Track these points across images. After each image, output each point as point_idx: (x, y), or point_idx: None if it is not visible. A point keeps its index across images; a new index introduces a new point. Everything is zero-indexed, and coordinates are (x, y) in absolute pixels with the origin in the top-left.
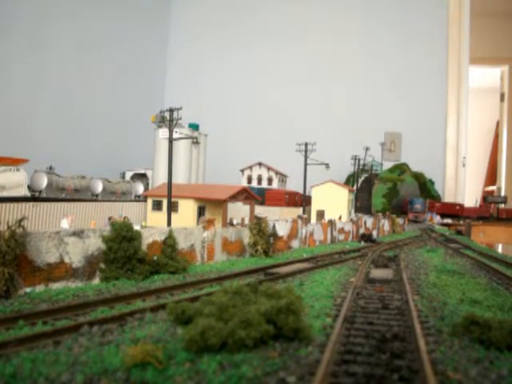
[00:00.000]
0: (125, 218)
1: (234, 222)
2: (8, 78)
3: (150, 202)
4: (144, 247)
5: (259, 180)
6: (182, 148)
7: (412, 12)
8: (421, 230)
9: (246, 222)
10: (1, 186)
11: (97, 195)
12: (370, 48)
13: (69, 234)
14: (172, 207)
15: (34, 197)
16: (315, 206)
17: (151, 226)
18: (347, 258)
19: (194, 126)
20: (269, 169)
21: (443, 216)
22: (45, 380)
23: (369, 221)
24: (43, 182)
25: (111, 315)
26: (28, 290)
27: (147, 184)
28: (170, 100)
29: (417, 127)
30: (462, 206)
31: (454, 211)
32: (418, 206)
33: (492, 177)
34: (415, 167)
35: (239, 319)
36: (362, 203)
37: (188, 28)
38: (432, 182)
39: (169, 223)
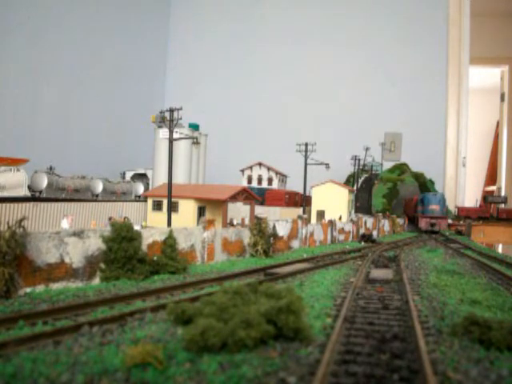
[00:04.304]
0: (125, 218)
1: (234, 222)
2: (7, 77)
3: (150, 202)
4: (144, 247)
5: (259, 180)
6: (182, 148)
7: (412, 12)
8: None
9: (246, 222)
10: (1, 186)
11: (97, 195)
12: (370, 48)
13: (69, 235)
14: (172, 207)
15: (34, 197)
16: (315, 206)
17: (151, 226)
18: (347, 258)
19: (194, 126)
20: (269, 169)
21: None
22: (45, 380)
23: (369, 221)
24: (43, 182)
25: (111, 315)
26: (28, 290)
27: (147, 184)
28: (170, 100)
29: (417, 127)
30: None
31: None
32: (434, 207)
33: (492, 177)
34: (415, 167)
35: (239, 319)
36: (362, 203)
37: (188, 28)
38: (432, 182)
39: (169, 223)
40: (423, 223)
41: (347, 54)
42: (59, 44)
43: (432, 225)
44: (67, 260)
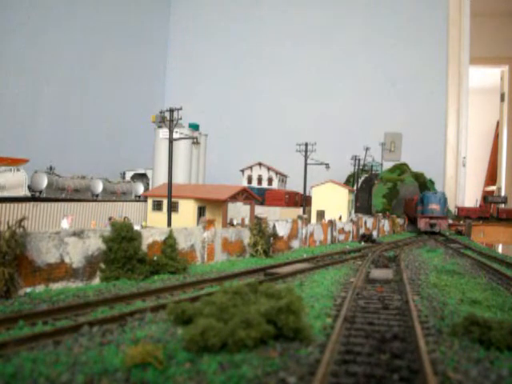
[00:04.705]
0: (125, 218)
1: (234, 222)
2: (7, 78)
3: (150, 202)
4: (144, 247)
5: (259, 180)
6: (182, 148)
7: (412, 12)
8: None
9: (246, 222)
10: (1, 186)
11: (97, 195)
12: (370, 48)
13: (69, 235)
14: (172, 207)
15: (34, 197)
16: (315, 206)
17: (151, 226)
18: (347, 258)
19: (194, 126)
20: (269, 169)
21: None
22: (45, 380)
23: (369, 221)
24: (43, 182)
25: (111, 315)
26: (28, 290)
27: (147, 184)
28: (170, 100)
29: (417, 127)
30: None
31: None
32: (434, 207)
33: (492, 177)
34: (415, 167)
35: (239, 319)
36: (362, 203)
37: (188, 28)
38: (432, 182)
39: (169, 223)
40: (422, 223)
41: (347, 54)
42: (59, 44)
43: (432, 225)
44: (67, 260)
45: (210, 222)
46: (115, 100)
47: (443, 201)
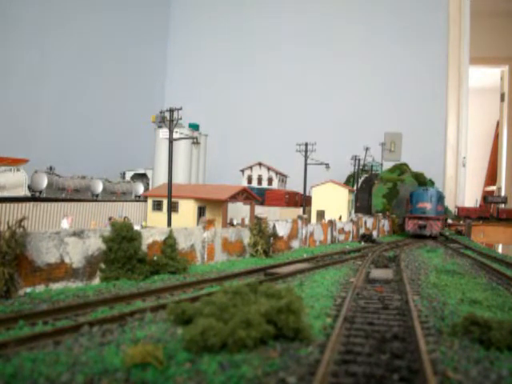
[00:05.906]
0: (125, 218)
1: (234, 222)
2: (8, 78)
3: (150, 202)
4: (144, 247)
5: (259, 180)
6: (182, 148)
7: (412, 12)
8: None
9: (246, 222)
10: (1, 186)
11: (97, 195)
12: (370, 48)
13: (69, 235)
14: (172, 207)
15: (34, 197)
16: (315, 206)
17: (151, 226)
18: (347, 258)
19: (194, 126)
20: (269, 169)
21: None
22: (45, 380)
23: (369, 221)
24: (43, 182)
25: (111, 315)
26: (28, 290)
27: (147, 184)
28: (170, 100)
29: (417, 127)
30: None
31: None
32: (425, 205)
33: (492, 177)
34: (415, 167)
35: (239, 319)
36: (362, 203)
37: (188, 28)
38: (432, 182)
39: (169, 223)
40: (410, 225)
41: (347, 55)
42: (59, 44)
43: (421, 227)
44: (67, 260)
45: (210, 222)
46: (115, 100)
47: (436, 198)
